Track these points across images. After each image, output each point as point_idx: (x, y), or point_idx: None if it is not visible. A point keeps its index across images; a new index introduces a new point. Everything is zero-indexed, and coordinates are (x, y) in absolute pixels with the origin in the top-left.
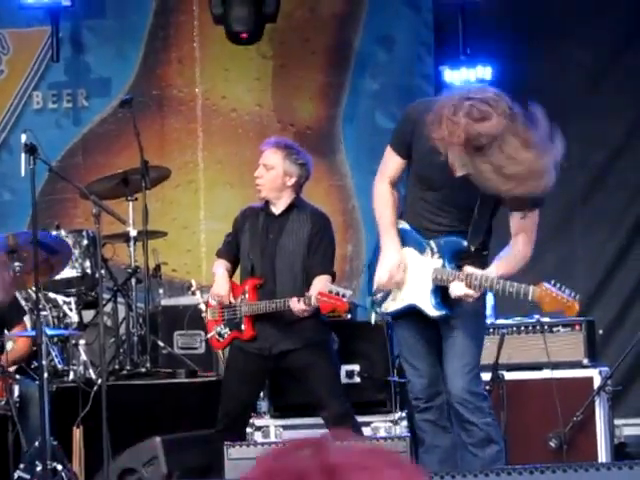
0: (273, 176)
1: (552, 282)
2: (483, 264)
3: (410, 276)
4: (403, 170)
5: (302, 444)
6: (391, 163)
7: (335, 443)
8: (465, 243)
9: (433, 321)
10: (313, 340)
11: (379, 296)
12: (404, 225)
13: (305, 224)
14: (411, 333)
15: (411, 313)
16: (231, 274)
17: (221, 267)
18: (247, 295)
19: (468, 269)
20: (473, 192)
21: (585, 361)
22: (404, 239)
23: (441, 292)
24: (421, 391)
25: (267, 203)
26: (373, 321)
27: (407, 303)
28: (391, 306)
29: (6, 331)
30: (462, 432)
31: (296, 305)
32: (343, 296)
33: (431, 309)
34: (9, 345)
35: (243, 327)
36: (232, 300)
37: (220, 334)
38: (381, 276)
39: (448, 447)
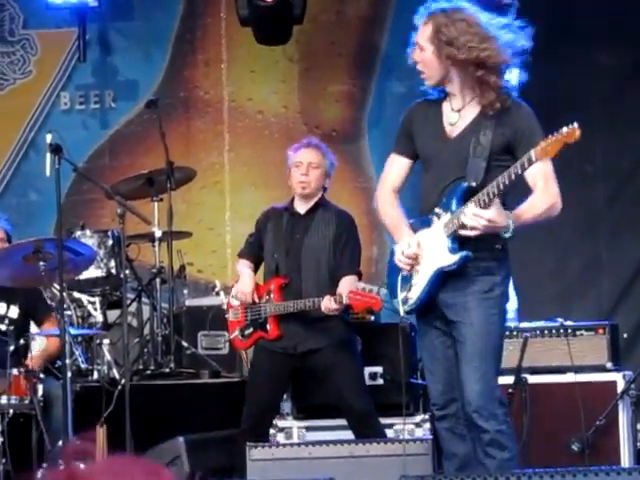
0: (318, 174)
1: None
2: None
3: (425, 253)
4: (405, 176)
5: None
6: (392, 168)
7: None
8: (465, 183)
9: (450, 323)
10: (338, 339)
11: (403, 294)
12: (411, 220)
13: (330, 223)
14: (430, 338)
15: (431, 310)
16: (254, 274)
17: (246, 267)
18: (272, 295)
19: (475, 196)
20: (469, 146)
21: (609, 365)
22: (415, 229)
23: (458, 238)
24: (436, 397)
25: (292, 202)
26: (405, 312)
27: (428, 276)
28: (415, 292)
29: (34, 326)
30: (475, 438)
31: (327, 304)
32: (377, 294)
33: (448, 256)
34: (41, 344)
35: (268, 327)
36: (256, 300)
37: (243, 334)
38: (397, 257)
39: (465, 455)
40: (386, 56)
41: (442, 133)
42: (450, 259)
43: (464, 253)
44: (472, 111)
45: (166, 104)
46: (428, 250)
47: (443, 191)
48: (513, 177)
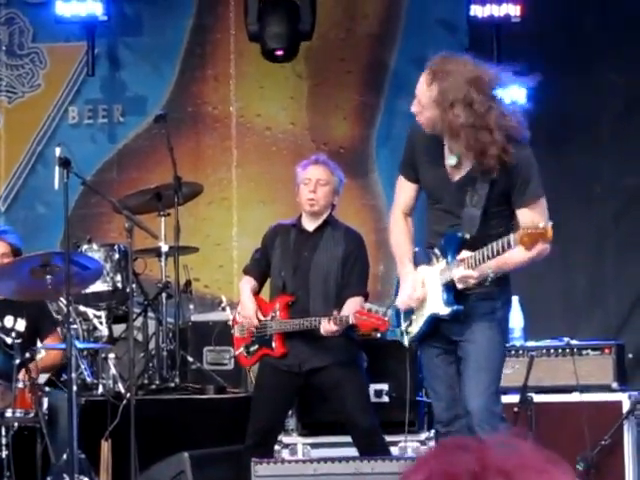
0: (327, 191)
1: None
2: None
3: (426, 291)
4: (415, 197)
5: (459, 445)
6: (402, 192)
7: (496, 445)
8: (459, 234)
9: (452, 343)
10: (343, 357)
11: (404, 325)
12: (416, 248)
13: (339, 243)
14: (430, 356)
15: (433, 335)
16: (258, 290)
17: (248, 285)
18: (278, 313)
19: (463, 254)
20: (466, 194)
21: (614, 385)
22: (417, 260)
23: (453, 290)
24: (440, 414)
25: (300, 220)
26: (407, 344)
27: (426, 316)
28: (415, 327)
29: (39, 341)
30: None
31: (327, 326)
32: (384, 315)
33: (443, 308)
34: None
35: (274, 344)
36: (262, 317)
37: (248, 351)
38: (400, 304)
39: None
40: (395, 74)
41: (444, 174)
42: (444, 310)
43: (455, 307)
44: (470, 155)
45: (174, 119)
46: (429, 292)
47: (443, 233)
48: (496, 254)
